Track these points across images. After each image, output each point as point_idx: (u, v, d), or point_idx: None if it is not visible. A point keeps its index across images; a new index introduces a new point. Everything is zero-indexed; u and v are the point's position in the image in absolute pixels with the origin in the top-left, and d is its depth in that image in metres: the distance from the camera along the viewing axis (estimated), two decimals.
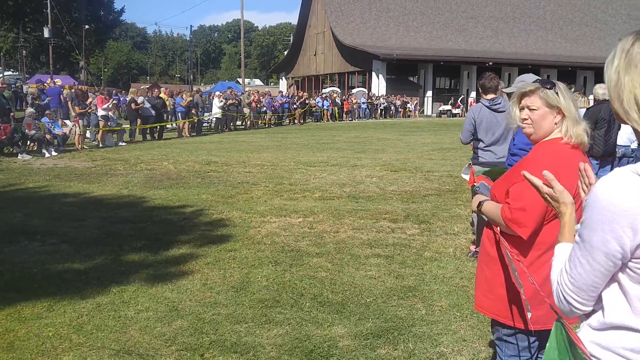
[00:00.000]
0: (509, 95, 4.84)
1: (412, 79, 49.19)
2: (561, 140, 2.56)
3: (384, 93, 42.71)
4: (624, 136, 8.46)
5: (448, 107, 42.73)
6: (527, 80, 4.62)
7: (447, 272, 5.66)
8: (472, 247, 6.31)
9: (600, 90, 8.26)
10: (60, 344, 4.07)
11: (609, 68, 1.41)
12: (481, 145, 5.93)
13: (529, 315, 2.50)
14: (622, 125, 6.60)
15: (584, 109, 8.27)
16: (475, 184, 4.69)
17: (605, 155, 7.92)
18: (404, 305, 4.80)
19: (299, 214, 8.21)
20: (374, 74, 44.53)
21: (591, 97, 9.93)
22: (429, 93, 45.47)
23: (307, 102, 34.64)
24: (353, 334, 4.22)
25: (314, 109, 35.35)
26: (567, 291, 1.41)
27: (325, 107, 35.73)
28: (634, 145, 8.96)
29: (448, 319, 4.50)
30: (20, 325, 4.36)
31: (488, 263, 2.75)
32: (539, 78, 4.61)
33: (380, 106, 39.61)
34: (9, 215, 8.08)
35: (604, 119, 7.79)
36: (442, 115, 41.86)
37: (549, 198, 1.65)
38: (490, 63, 43.44)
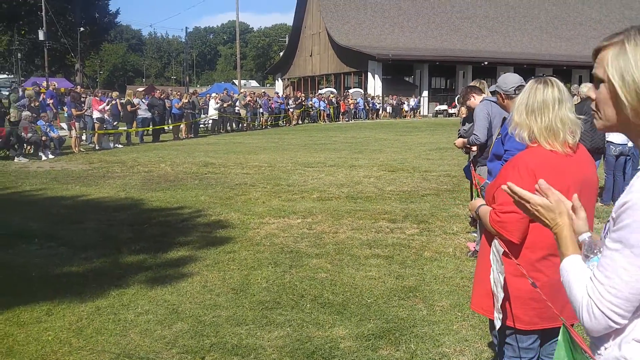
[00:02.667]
0: (493, 94, 4.85)
1: (407, 79, 49.21)
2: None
3: (380, 93, 42.73)
4: (621, 134, 8.51)
5: (444, 106, 42.75)
6: (510, 80, 4.62)
7: (448, 272, 5.65)
8: (472, 246, 6.30)
9: (584, 88, 8.38)
10: (60, 348, 4.04)
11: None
12: (491, 141, 5.85)
13: (497, 322, 2.51)
14: None
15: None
16: (481, 184, 4.67)
17: (592, 151, 7.94)
18: (404, 306, 4.78)
19: (298, 215, 8.19)
20: (369, 74, 44.55)
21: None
22: (425, 93, 45.50)
23: (303, 103, 34.64)
24: (354, 335, 4.20)
25: (310, 109, 35.36)
26: (606, 304, 1.29)
27: (321, 108, 35.73)
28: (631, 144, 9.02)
29: (449, 319, 4.49)
30: (19, 330, 4.33)
31: (487, 264, 2.74)
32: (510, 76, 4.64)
33: (376, 106, 39.66)
34: (6, 219, 8.04)
35: (587, 114, 7.85)
36: (439, 115, 41.89)
37: (541, 210, 1.52)
38: (486, 63, 43.57)
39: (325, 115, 35.67)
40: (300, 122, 33.71)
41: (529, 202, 1.55)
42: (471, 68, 45.23)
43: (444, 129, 26.94)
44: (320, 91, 44.56)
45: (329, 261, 6.03)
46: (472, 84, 6.24)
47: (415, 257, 6.18)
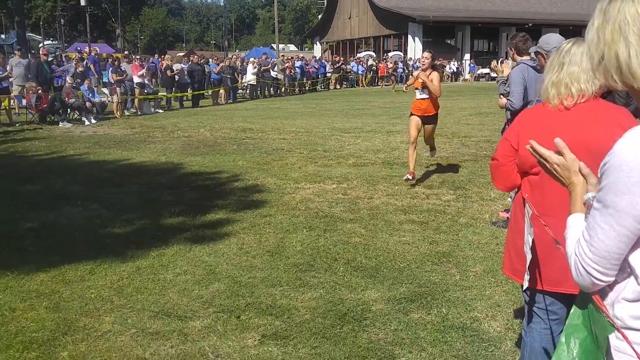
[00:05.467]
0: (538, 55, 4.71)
1: (449, 41, 48.10)
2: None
3: (420, 57, 41.97)
4: None
5: (486, 70, 41.72)
6: (552, 40, 4.50)
7: (483, 238, 5.63)
8: (504, 215, 6.23)
9: None
10: (102, 305, 4.22)
11: (590, 31, 1.37)
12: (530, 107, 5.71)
13: (525, 283, 2.53)
14: None
15: None
16: None
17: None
18: (437, 271, 4.80)
19: (333, 180, 8.22)
20: (409, 37, 43.71)
21: None
22: (467, 56, 44.48)
23: (342, 67, 34.30)
24: (386, 298, 4.25)
25: (348, 74, 35.02)
26: (587, 261, 1.33)
27: (360, 72, 35.35)
28: None
29: (482, 285, 4.49)
30: (64, 287, 4.53)
31: (518, 230, 2.73)
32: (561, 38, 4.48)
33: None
34: (51, 182, 8.32)
35: None
36: (481, 79, 40.97)
37: (558, 169, 1.57)
38: (530, 24, 42.14)
39: (363, 79, 35.31)
40: (338, 86, 33.47)
41: (547, 161, 1.61)
42: (515, 30, 43.81)
43: (486, 93, 26.36)
44: (359, 55, 44.03)
45: (363, 226, 6.06)
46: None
47: (451, 223, 6.16)
